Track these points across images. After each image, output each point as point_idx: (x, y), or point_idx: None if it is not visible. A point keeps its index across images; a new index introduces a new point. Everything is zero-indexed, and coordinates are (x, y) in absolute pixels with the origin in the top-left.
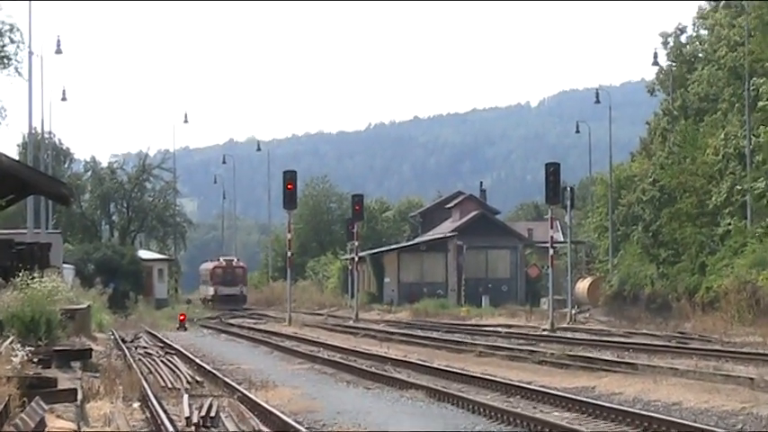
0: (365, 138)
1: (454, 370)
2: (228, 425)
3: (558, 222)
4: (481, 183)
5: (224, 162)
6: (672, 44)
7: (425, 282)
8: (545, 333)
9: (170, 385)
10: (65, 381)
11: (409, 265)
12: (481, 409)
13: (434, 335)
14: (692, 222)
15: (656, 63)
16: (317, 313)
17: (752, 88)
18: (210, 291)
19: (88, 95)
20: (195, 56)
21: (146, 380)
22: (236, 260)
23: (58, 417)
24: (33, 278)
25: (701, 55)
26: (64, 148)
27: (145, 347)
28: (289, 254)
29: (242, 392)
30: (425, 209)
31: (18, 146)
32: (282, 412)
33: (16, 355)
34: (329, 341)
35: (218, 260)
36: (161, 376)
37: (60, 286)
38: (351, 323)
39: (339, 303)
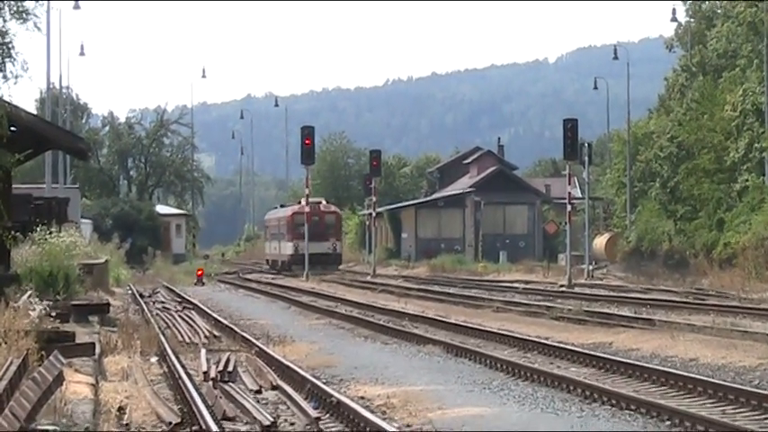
0: (383, 94)
1: (471, 325)
2: (246, 379)
3: (575, 179)
4: (499, 139)
5: (242, 117)
6: (691, 0)
7: (443, 237)
8: (562, 289)
9: (187, 340)
10: (83, 335)
11: (427, 221)
12: (498, 365)
13: (452, 290)
14: (709, 178)
15: (674, 19)
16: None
17: None
18: (288, 248)
19: (106, 50)
20: (213, 10)
21: (163, 334)
22: (324, 203)
23: (76, 371)
24: (51, 233)
25: (719, 11)
26: (82, 103)
27: (162, 302)
28: (306, 209)
29: (259, 347)
30: (443, 164)
31: (36, 101)
32: (300, 367)
33: (34, 309)
34: (347, 296)
35: (299, 203)
36: (178, 331)
37: (78, 241)
38: (368, 278)
39: (357, 259)
